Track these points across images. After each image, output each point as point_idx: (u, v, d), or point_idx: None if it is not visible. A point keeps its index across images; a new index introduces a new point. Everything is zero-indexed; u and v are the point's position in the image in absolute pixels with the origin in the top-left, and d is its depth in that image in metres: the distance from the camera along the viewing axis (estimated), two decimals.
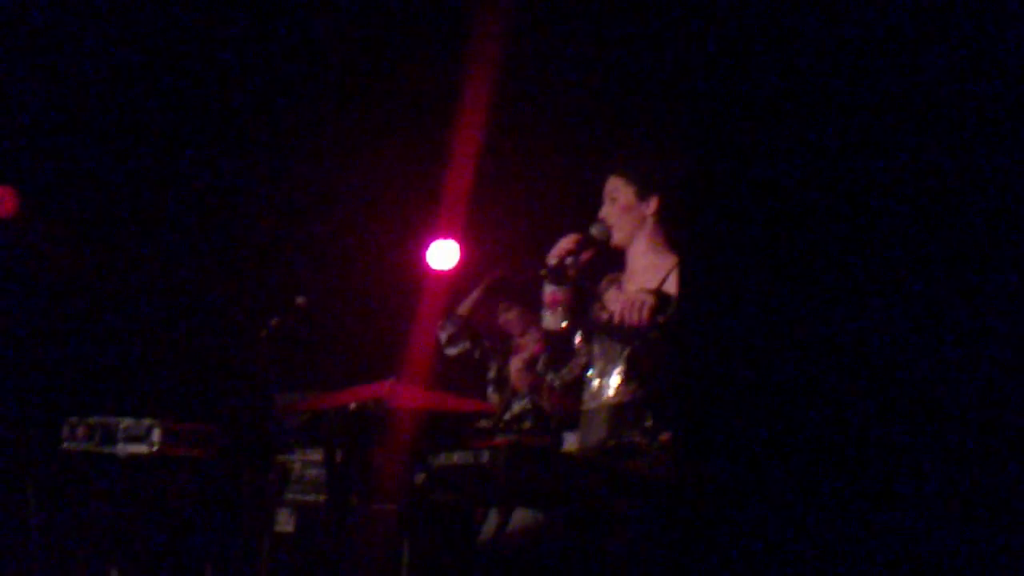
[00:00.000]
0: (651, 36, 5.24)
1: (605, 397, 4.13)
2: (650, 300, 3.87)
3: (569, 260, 4.16)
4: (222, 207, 7.03)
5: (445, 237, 6.74)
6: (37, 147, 6.84)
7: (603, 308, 4.23)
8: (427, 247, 6.78)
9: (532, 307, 5.89)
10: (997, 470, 2.36)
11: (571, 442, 4.43)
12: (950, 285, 2.39)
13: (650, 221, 4.23)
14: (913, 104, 2.45)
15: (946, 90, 2.44)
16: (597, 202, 4.34)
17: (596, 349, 4.22)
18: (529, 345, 5.87)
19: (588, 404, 4.22)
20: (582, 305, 4.24)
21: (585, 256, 4.20)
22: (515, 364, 5.75)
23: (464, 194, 6.32)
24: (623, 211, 4.23)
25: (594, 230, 4.24)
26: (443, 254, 6.77)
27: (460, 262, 6.80)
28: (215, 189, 7.02)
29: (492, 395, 6.00)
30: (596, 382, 4.19)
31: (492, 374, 6.06)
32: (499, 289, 5.92)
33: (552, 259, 4.16)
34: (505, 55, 5.79)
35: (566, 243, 4.18)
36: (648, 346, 3.99)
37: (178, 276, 7.02)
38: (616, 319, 3.95)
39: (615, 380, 4.11)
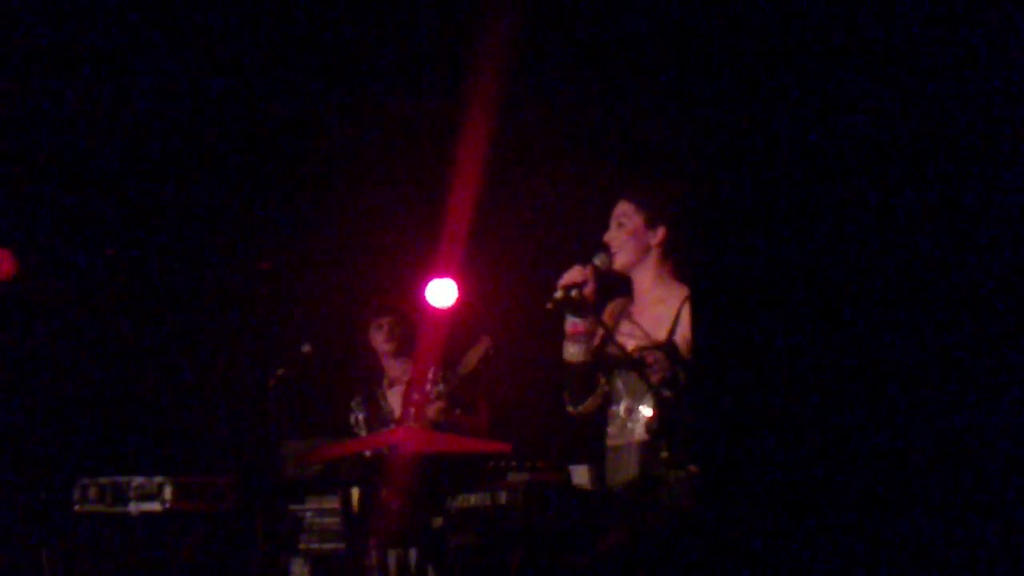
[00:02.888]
0: (651, 64, 5.24)
1: (635, 434, 4.11)
2: (662, 361, 3.96)
3: (575, 292, 4.17)
4: (221, 258, 7.02)
5: (443, 276, 6.73)
6: (31, 206, 6.81)
7: (615, 344, 4.21)
8: (426, 286, 6.77)
9: (404, 320, 5.88)
10: None
11: (580, 474, 4.41)
12: (979, 317, 2.39)
13: (655, 251, 4.25)
14: (925, 132, 2.47)
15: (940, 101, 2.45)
16: (596, 239, 4.35)
17: (619, 383, 4.22)
18: (402, 374, 5.87)
19: (615, 440, 4.19)
20: (600, 337, 4.25)
21: (590, 288, 4.20)
22: (395, 396, 5.75)
23: (462, 232, 6.32)
24: (630, 236, 4.26)
25: (598, 260, 4.25)
26: (442, 293, 6.75)
27: (458, 300, 6.79)
28: (213, 240, 7.01)
29: (360, 422, 5.95)
30: (623, 418, 4.18)
31: (356, 402, 6.03)
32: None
33: (558, 292, 4.17)
34: (504, 90, 5.79)
35: (571, 275, 4.19)
36: (671, 382, 3.99)
37: (181, 331, 7.01)
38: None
39: (644, 416, 4.09)
